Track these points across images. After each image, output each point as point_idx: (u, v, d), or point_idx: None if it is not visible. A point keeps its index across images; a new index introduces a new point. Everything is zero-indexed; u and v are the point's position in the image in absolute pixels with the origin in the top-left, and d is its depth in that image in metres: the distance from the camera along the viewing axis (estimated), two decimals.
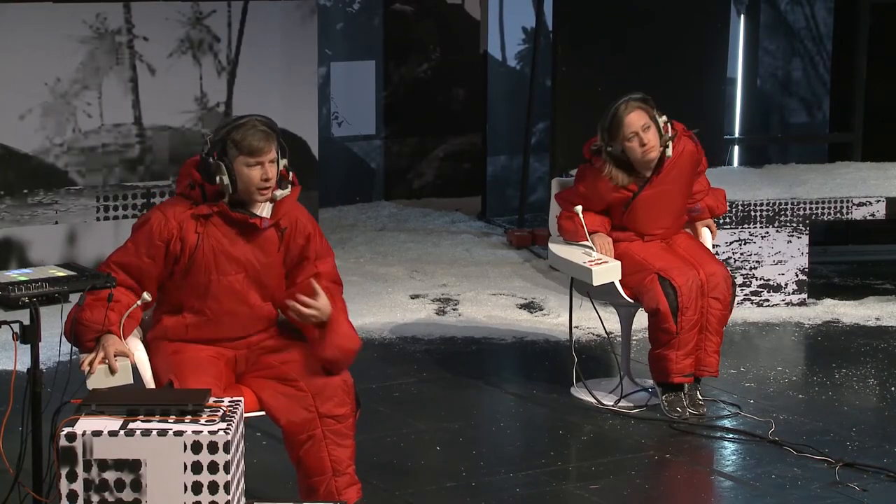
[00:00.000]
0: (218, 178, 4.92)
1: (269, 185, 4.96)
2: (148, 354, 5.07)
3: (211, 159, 4.93)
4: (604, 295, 6.73)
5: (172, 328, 5.06)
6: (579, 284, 6.70)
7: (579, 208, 6.56)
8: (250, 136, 4.91)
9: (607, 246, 6.55)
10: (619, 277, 6.50)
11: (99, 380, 4.74)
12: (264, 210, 5.05)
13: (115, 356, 4.78)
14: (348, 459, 5.00)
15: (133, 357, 4.87)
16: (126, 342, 4.87)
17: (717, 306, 6.48)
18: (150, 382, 5.00)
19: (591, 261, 6.45)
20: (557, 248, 6.66)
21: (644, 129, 6.37)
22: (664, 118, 6.45)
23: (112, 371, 4.75)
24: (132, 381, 4.84)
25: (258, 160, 4.92)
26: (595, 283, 6.44)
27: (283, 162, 5.03)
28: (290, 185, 5.08)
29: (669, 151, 6.43)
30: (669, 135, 6.43)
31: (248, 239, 5.03)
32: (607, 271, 6.44)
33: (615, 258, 6.53)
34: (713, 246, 6.89)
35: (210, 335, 5.07)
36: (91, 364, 4.76)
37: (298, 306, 4.94)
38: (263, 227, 5.02)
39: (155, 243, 4.96)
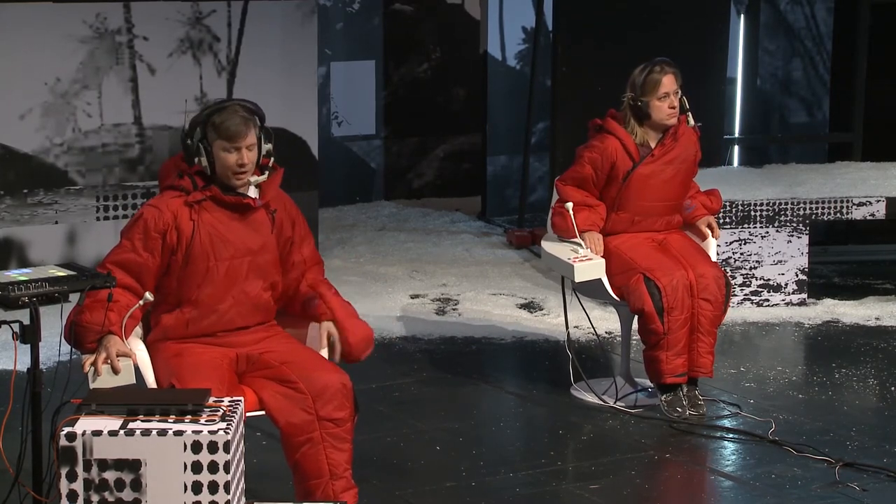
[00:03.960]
0: (196, 160, 4.96)
1: (244, 170, 4.99)
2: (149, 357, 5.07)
3: (190, 141, 4.97)
4: (594, 293, 6.74)
5: (172, 326, 5.06)
6: (572, 282, 6.71)
7: (570, 205, 6.58)
8: (229, 120, 4.95)
9: (597, 244, 6.56)
10: (604, 275, 6.52)
11: (102, 380, 4.74)
12: (251, 194, 5.09)
13: (117, 356, 4.78)
14: (346, 463, 4.99)
15: (135, 357, 4.87)
16: (127, 342, 4.87)
17: (708, 307, 6.48)
18: (152, 383, 5.01)
19: (576, 257, 6.48)
20: (548, 245, 6.69)
21: (675, 93, 6.60)
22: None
23: (115, 371, 4.76)
24: (135, 381, 4.84)
25: (235, 145, 4.95)
26: (577, 280, 6.48)
27: (268, 147, 5.05)
28: (269, 170, 5.11)
29: (691, 120, 6.68)
30: (687, 107, 6.68)
31: (242, 222, 5.06)
32: (591, 268, 6.46)
33: (604, 256, 6.55)
34: (717, 245, 6.89)
35: (210, 328, 5.07)
36: (95, 364, 4.76)
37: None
38: (257, 206, 5.06)
39: (151, 236, 4.97)
